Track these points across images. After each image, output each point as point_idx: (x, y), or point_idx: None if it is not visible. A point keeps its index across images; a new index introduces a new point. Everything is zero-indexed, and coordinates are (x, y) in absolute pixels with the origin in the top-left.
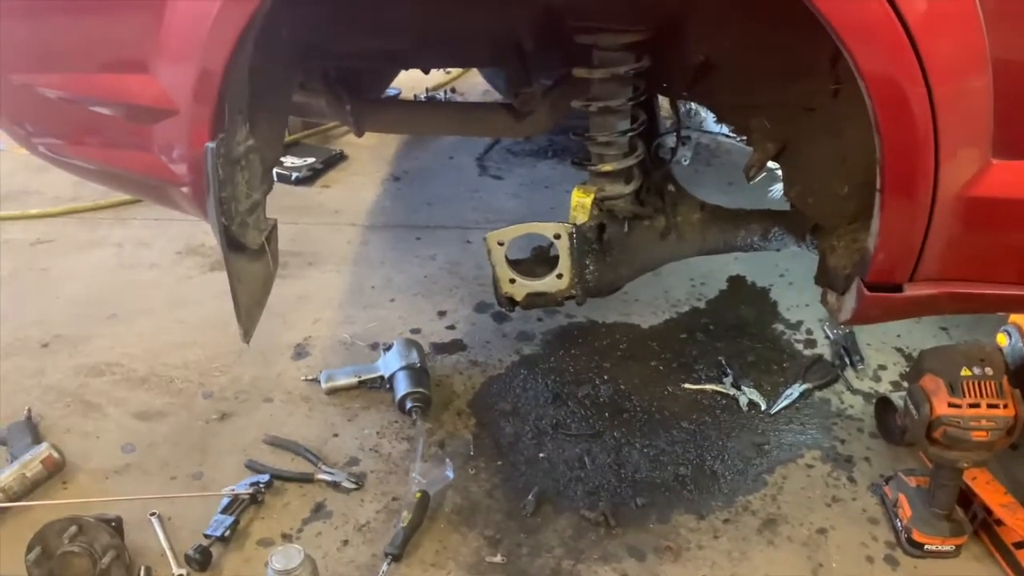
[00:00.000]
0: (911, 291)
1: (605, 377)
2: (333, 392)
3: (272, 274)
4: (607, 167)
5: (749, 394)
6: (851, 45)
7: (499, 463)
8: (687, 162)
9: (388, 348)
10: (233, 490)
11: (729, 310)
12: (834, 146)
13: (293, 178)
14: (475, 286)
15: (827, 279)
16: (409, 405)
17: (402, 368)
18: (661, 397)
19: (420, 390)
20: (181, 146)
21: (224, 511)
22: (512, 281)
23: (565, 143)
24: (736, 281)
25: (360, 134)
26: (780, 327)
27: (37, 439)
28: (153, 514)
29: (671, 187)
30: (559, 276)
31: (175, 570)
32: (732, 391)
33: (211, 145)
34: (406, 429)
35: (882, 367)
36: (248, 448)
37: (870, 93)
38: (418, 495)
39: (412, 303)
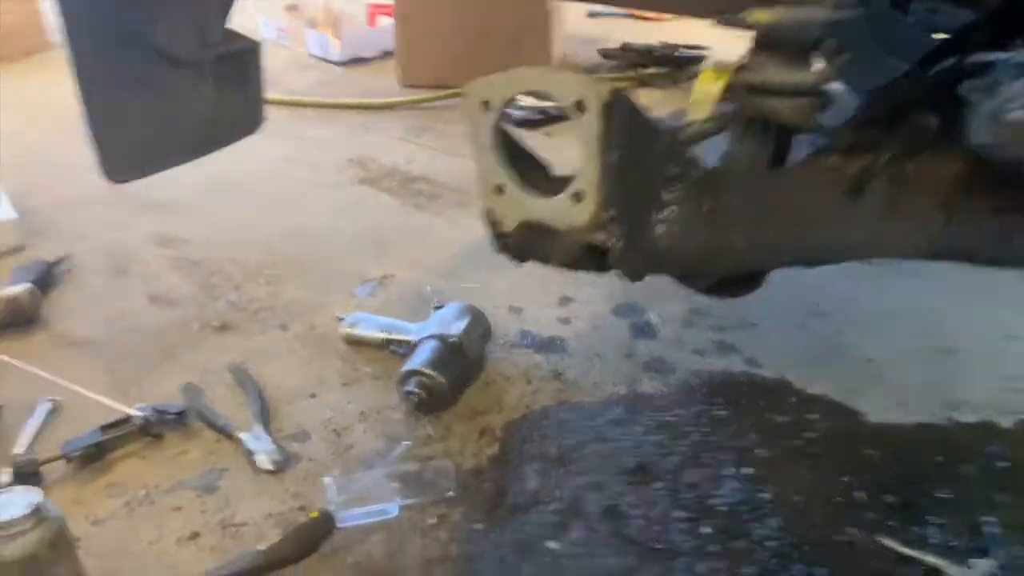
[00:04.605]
0: None
1: (743, 471)
2: (352, 342)
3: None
4: (762, 16)
5: None
6: None
7: (479, 527)
8: None
9: (439, 307)
10: (140, 409)
11: None
12: None
13: (516, 116)
14: (641, 285)
15: None
16: (408, 388)
17: (432, 336)
18: (826, 542)
19: (431, 373)
20: None
21: (107, 427)
22: (501, 189)
23: None
24: None
25: None
26: None
27: (44, 281)
28: (50, 400)
29: (931, 118)
30: (575, 196)
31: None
32: None
33: None
34: (400, 426)
35: None
36: (211, 371)
37: None
38: (314, 515)
39: (540, 277)
